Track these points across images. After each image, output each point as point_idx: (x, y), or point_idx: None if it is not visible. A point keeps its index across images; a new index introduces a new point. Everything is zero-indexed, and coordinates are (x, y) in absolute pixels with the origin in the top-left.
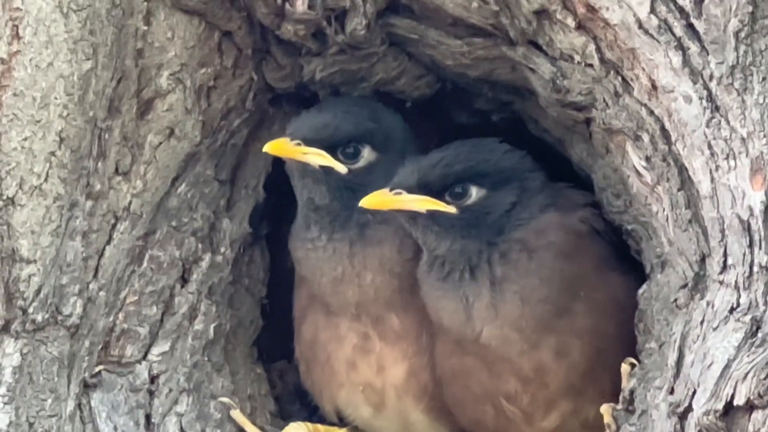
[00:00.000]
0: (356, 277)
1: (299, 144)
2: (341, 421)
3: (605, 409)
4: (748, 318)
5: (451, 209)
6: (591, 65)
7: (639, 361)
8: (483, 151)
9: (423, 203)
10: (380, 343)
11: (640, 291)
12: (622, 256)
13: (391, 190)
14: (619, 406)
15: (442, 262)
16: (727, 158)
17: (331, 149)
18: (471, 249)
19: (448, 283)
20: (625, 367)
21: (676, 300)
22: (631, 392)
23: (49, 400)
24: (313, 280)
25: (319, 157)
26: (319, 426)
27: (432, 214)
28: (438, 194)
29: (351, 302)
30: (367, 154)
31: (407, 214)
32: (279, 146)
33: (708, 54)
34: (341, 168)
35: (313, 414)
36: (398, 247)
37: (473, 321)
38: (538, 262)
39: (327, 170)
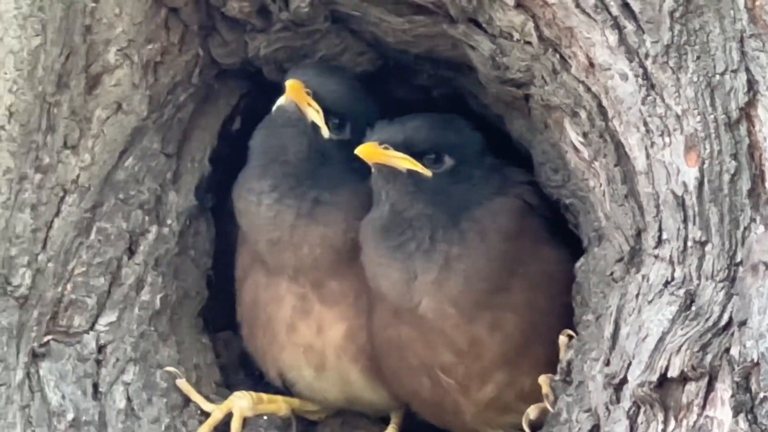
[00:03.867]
0: (292, 246)
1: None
2: (284, 384)
3: (543, 379)
4: (682, 292)
5: (428, 173)
6: (530, 43)
7: (576, 333)
8: (455, 125)
9: (406, 162)
10: (319, 305)
11: (578, 264)
12: (558, 230)
13: (380, 143)
14: (557, 377)
15: (404, 228)
16: (662, 135)
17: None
18: (438, 219)
19: (398, 252)
20: (562, 339)
21: (612, 273)
22: (569, 363)
23: None
24: (250, 234)
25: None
26: (263, 395)
27: (411, 174)
28: (418, 156)
29: (288, 265)
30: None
31: (388, 170)
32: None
33: (644, 33)
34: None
35: (257, 383)
36: (343, 230)
37: (413, 292)
38: (488, 244)
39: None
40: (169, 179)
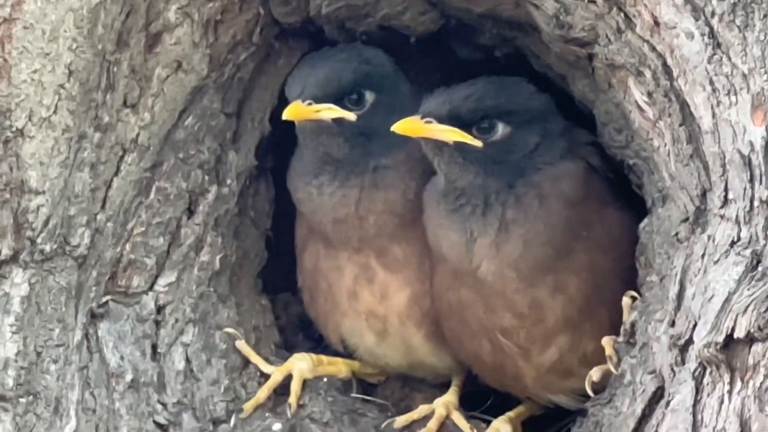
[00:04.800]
0: (358, 220)
1: (310, 103)
2: (345, 350)
3: (606, 341)
4: (748, 252)
5: (478, 143)
6: (594, 2)
7: (640, 294)
8: (512, 90)
9: (452, 134)
10: (382, 272)
11: (642, 225)
12: (621, 191)
13: (422, 118)
14: (621, 339)
15: (459, 194)
16: (728, 94)
17: (339, 101)
18: (491, 186)
19: (456, 214)
20: (626, 301)
21: (677, 234)
22: (632, 325)
23: (57, 330)
24: (313, 219)
25: (331, 111)
26: (323, 357)
27: (458, 146)
28: (466, 127)
29: (352, 239)
30: (369, 98)
31: (434, 143)
32: (295, 111)
33: None
34: (351, 116)
35: (317, 345)
36: (403, 192)
37: (473, 255)
38: (548, 209)
39: (339, 122)
40: (229, 139)
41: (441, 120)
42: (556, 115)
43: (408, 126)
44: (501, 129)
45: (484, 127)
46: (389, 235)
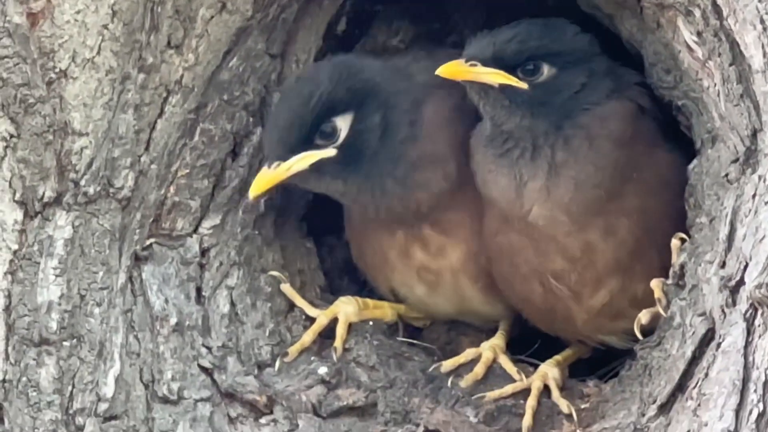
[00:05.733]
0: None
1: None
2: (395, 298)
3: (656, 284)
4: None
5: (523, 85)
6: None
7: (689, 236)
8: (556, 31)
9: (497, 77)
10: (433, 232)
11: (691, 166)
12: (670, 132)
13: (466, 61)
14: (670, 281)
15: (506, 138)
16: None
17: None
18: (538, 128)
19: (504, 159)
20: (675, 242)
21: (727, 175)
22: (682, 267)
23: (101, 273)
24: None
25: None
26: (369, 300)
27: (504, 89)
28: (511, 69)
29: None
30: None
31: (479, 86)
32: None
33: None
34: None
35: (361, 289)
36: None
37: (523, 199)
38: (597, 150)
39: None
40: (273, 80)
41: (485, 63)
42: (601, 56)
43: (452, 69)
44: (546, 70)
45: (529, 69)
46: (439, 203)
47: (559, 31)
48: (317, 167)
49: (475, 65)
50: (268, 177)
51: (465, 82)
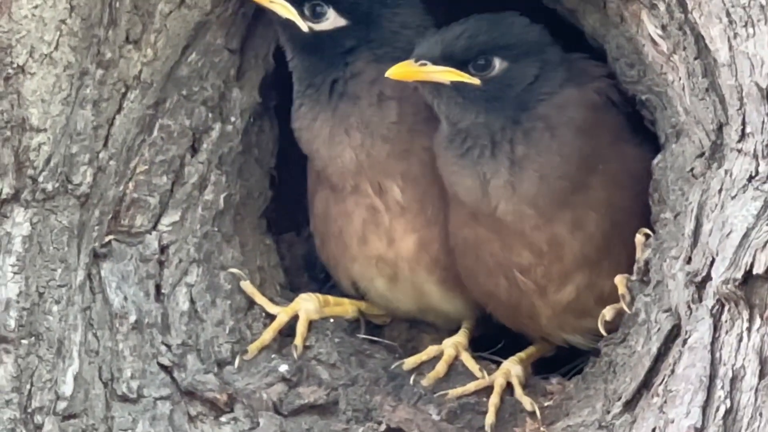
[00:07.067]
0: (346, 136)
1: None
2: (357, 293)
3: (619, 280)
4: (767, 186)
5: (476, 81)
6: None
7: (654, 231)
8: (505, 24)
9: (448, 74)
10: (387, 215)
11: (655, 161)
12: (636, 127)
13: (416, 61)
14: (634, 277)
15: (464, 137)
16: (745, 26)
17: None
18: (495, 124)
19: (466, 159)
20: (639, 238)
21: (692, 169)
22: (646, 262)
23: (59, 270)
24: (310, 152)
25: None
26: (329, 297)
27: (456, 86)
28: (462, 65)
29: (348, 168)
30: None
31: (431, 85)
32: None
33: None
34: (303, 26)
35: (322, 286)
36: (377, 106)
37: (489, 197)
38: (559, 140)
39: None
40: (232, 76)
41: (435, 61)
42: (553, 46)
43: (402, 70)
44: (498, 64)
45: (480, 64)
46: (382, 168)
47: (508, 24)
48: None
49: (425, 65)
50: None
51: (417, 82)
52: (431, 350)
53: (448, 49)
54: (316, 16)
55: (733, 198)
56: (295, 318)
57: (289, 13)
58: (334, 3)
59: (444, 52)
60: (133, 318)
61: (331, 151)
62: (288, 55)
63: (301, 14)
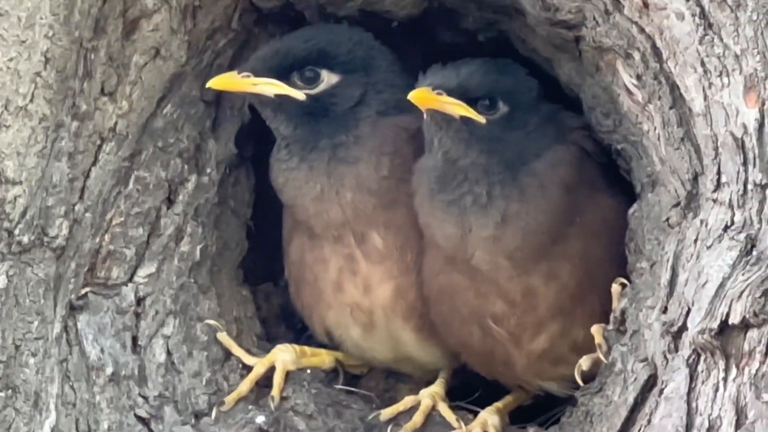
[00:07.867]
0: (336, 195)
1: (248, 76)
2: (331, 342)
3: (596, 329)
4: (742, 236)
5: (481, 119)
6: None
7: (630, 281)
8: (509, 70)
9: (460, 108)
10: (365, 263)
11: (631, 211)
12: (612, 176)
13: (433, 89)
14: (610, 327)
15: (461, 180)
16: (720, 75)
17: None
18: (493, 169)
19: (454, 206)
20: (615, 288)
21: (668, 219)
22: (623, 312)
23: (36, 323)
24: (294, 204)
25: (272, 86)
26: (306, 348)
27: (465, 121)
28: (472, 102)
29: (333, 222)
30: (326, 77)
31: (441, 116)
32: (226, 81)
33: None
34: (298, 95)
35: (299, 336)
36: (374, 165)
37: (467, 244)
38: (548, 197)
39: (283, 99)
40: (208, 127)
41: (450, 93)
42: (545, 99)
43: (421, 96)
44: (502, 107)
45: (486, 104)
46: (367, 219)
47: (512, 70)
48: (280, 102)
49: (441, 94)
50: (231, 80)
51: (428, 110)
52: (408, 400)
53: (464, 84)
54: (310, 82)
55: (708, 248)
56: (272, 369)
57: (280, 88)
58: (325, 64)
59: (460, 85)
60: (109, 370)
61: (319, 207)
62: (284, 132)
63: (293, 86)
